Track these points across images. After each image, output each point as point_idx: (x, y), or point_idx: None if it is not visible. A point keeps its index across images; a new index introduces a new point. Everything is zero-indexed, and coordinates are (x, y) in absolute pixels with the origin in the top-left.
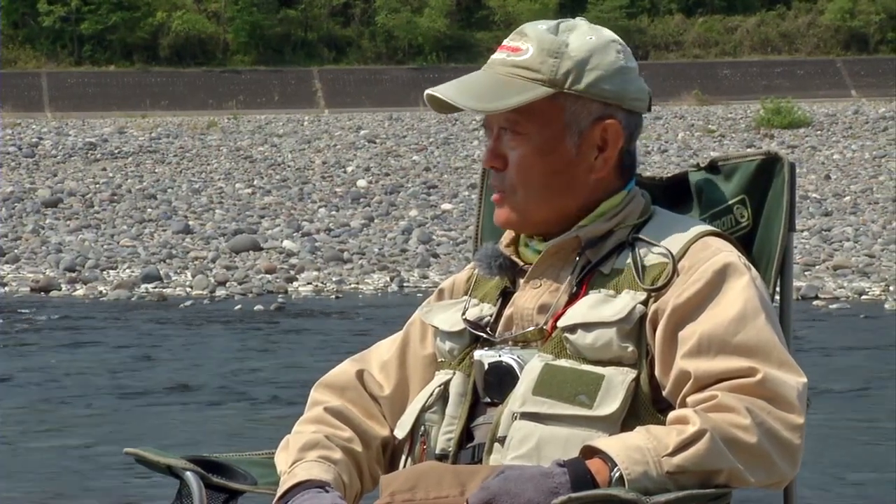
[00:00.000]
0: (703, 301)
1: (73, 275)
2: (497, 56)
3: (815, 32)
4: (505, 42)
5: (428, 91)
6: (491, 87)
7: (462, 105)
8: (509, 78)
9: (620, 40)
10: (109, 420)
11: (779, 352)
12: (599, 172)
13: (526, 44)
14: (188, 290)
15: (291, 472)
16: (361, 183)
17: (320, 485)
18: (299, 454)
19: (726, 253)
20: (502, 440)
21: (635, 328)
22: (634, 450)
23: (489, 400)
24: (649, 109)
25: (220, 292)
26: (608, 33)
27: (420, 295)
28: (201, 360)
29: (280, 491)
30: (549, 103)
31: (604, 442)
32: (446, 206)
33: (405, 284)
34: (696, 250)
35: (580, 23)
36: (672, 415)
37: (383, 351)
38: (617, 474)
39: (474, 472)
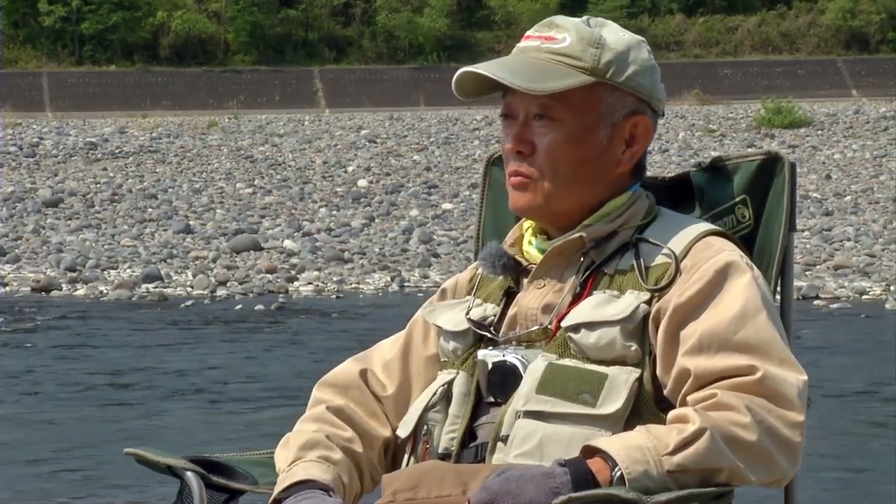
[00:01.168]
0: (704, 300)
1: (74, 275)
2: (530, 44)
3: (815, 32)
4: (533, 32)
5: (468, 68)
6: (534, 70)
7: (511, 82)
8: (550, 63)
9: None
10: (109, 420)
11: (779, 350)
12: (624, 167)
13: (561, 33)
14: (189, 289)
15: (290, 470)
16: (362, 183)
17: (323, 487)
18: (299, 453)
19: (728, 252)
20: (505, 439)
21: (638, 327)
22: (635, 449)
23: (493, 399)
24: (662, 114)
25: (221, 292)
26: (635, 34)
27: (421, 295)
28: (202, 360)
29: (277, 489)
30: (588, 92)
31: (604, 441)
32: (447, 205)
33: (406, 284)
34: (699, 250)
35: (608, 21)
36: (672, 414)
37: (385, 350)
38: (618, 474)
39: (476, 471)
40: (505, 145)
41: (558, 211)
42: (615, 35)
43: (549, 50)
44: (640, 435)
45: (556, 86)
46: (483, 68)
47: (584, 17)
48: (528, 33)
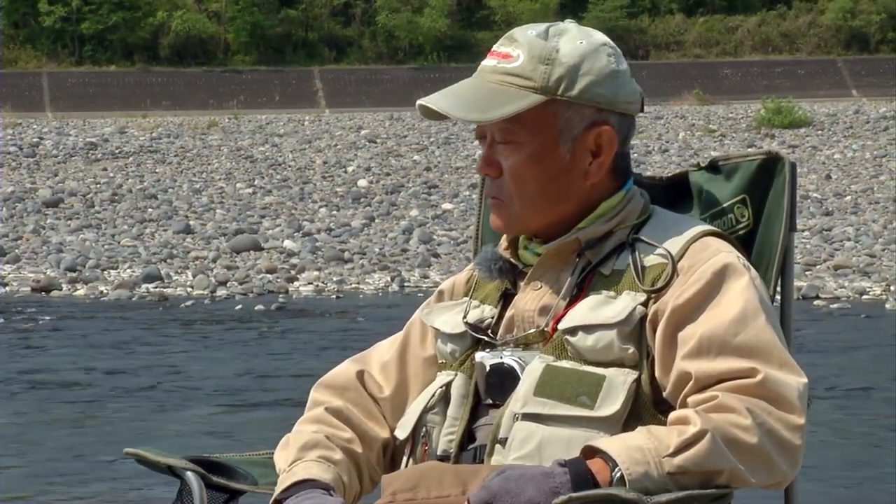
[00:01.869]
0: (702, 302)
1: (74, 275)
2: (488, 63)
3: (815, 32)
4: (495, 47)
5: (419, 101)
6: (483, 97)
7: (454, 116)
8: (501, 87)
9: (611, 42)
10: (110, 420)
11: (779, 352)
12: (594, 177)
13: (516, 50)
14: (189, 289)
15: (291, 470)
16: (362, 183)
17: (323, 486)
18: (299, 453)
19: (725, 253)
20: (503, 441)
21: (636, 329)
22: (635, 450)
23: (491, 401)
24: (642, 110)
25: (221, 292)
26: (599, 36)
27: (421, 295)
28: (202, 360)
29: (278, 489)
30: (542, 111)
31: (604, 442)
32: (447, 205)
33: (406, 284)
34: (696, 251)
35: (570, 27)
36: (673, 415)
37: (383, 351)
38: (618, 474)
39: (475, 471)
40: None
41: (533, 228)
42: (571, 45)
43: (502, 70)
44: (641, 436)
45: (503, 112)
46: (431, 101)
47: (545, 27)
48: (493, 48)
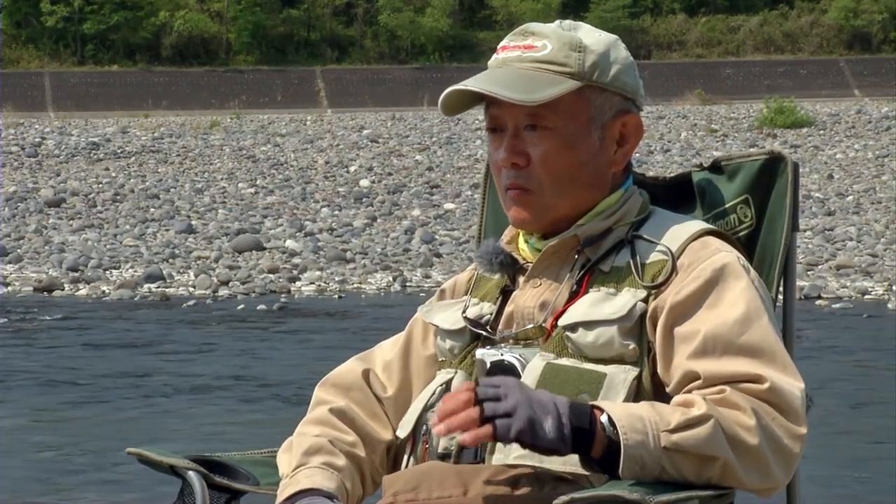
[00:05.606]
0: (700, 299)
1: (76, 274)
2: (510, 54)
3: (817, 32)
4: (509, 43)
5: (457, 86)
6: (523, 80)
7: (504, 96)
8: (537, 72)
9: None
10: (111, 420)
11: (782, 354)
12: (618, 166)
13: (540, 40)
14: (191, 289)
15: (294, 477)
16: (364, 183)
17: (327, 495)
18: (303, 458)
19: (725, 253)
20: None
21: (636, 326)
22: (637, 418)
23: None
24: (641, 108)
25: (223, 292)
26: (609, 33)
27: (423, 295)
28: (203, 360)
29: (281, 497)
30: (576, 96)
31: (608, 404)
32: (449, 205)
33: (408, 284)
34: (696, 249)
35: (580, 23)
36: (679, 397)
37: (386, 351)
38: (609, 423)
39: (477, 471)
40: (496, 159)
41: (558, 218)
42: (592, 36)
43: (531, 59)
44: (645, 407)
45: (548, 94)
46: (474, 84)
47: (557, 22)
48: (503, 44)
